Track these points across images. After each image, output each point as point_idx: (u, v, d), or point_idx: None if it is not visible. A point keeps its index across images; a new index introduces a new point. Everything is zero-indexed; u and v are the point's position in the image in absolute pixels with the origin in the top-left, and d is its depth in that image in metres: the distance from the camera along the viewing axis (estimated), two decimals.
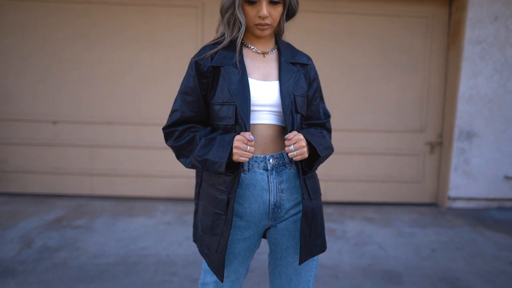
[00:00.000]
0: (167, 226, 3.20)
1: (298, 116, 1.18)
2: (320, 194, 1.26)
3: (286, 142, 1.09)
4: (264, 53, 1.22)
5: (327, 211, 3.61)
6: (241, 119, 1.09)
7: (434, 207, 4.05)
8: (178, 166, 3.95)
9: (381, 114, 3.95)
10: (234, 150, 1.05)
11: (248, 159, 1.06)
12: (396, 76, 3.90)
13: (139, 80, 3.84)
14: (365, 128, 3.95)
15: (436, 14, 3.86)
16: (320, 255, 2.66)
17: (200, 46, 3.79)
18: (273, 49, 1.24)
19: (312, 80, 1.27)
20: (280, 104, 1.14)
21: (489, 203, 3.96)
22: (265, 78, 1.17)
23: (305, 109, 1.22)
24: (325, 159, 1.19)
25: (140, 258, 2.58)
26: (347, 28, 3.85)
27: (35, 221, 3.19)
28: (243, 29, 1.14)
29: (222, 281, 1.13)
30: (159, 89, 3.84)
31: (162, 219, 3.36)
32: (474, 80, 3.72)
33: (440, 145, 4.03)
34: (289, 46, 1.27)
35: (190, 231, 3.09)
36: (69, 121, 3.86)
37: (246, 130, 1.08)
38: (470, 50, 3.67)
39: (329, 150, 1.20)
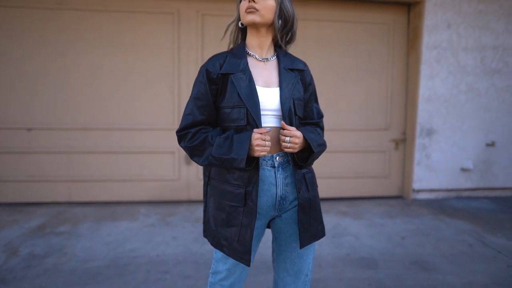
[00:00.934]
0: (151, 228, 3.27)
1: (296, 118, 1.33)
2: (316, 186, 1.43)
3: (285, 132, 1.25)
4: (264, 60, 1.35)
5: None
6: (252, 120, 1.23)
7: (400, 199, 4.37)
8: (157, 169, 4.05)
9: (349, 114, 4.22)
10: (256, 148, 1.18)
11: (267, 153, 1.22)
12: (362, 79, 4.19)
13: (114, 85, 3.87)
14: (334, 127, 4.20)
15: (396, 21, 4.19)
16: None
17: (176, 52, 3.92)
18: (273, 56, 1.37)
19: (308, 84, 1.42)
20: (281, 108, 1.28)
21: (448, 194, 4.33)
22: (268, 84, 1.31)
23: (302, 111, 1.38)
24: (319, 155, 1.36)
25: (130, 260, 2.64)
26: (316, 33, 4.09)
27: (16, 230, 3.15)
28: (237, 22, 1.34)
29: (249, 265, 1.26)
30: (134, 94, 3.89)
31: (146, 222, 3.42)
32: (431, 82, 4.07)
33: (403, 141, 4.36)
34: (287, 54, 1.41)
35: (175, 231, 3.18)
36: (44, 128, 3.82)
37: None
38: (427, 54, 4.02)
39: (323, 147, 1.36)
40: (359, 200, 4.30)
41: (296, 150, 1.27)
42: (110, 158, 3.92)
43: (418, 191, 4.27)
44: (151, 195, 4.00)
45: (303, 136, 1.27)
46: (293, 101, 1.31)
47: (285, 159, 1.32)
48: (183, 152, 3.95)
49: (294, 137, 1.24)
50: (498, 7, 4.01)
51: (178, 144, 4.02)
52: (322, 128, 1.48)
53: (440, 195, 4.32)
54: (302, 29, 4.04)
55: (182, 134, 1.30)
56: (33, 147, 3.82)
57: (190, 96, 1.33)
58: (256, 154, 1.20)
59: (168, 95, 3.93)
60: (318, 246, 2.93)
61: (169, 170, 3.99)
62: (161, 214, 3.62)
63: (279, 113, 1.29)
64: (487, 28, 4.04)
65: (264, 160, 1.29)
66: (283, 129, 1.25)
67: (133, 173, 3.97)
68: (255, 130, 1.21)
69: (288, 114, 1.28)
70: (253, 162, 1.24)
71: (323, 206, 4.02)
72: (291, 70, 1.36)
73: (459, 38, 4.03)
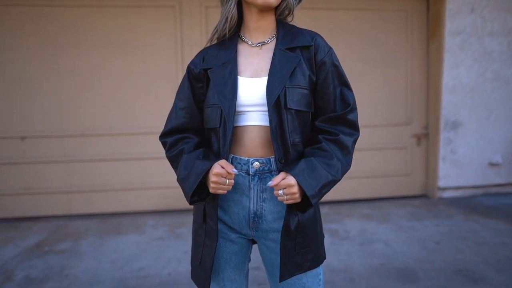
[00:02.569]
0: (160, 241, 2.98)
1: (290, 113, 1.02)
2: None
3: (274, 185, 0.95)
4: (260, 44, 1.10)
5: (323, 211, 3.52)
6: (224, 121, 1.03)
7: (424, 198, 4.07)
8: (163, 176, 3.75)
9: (366, 109, 3.92)
10: (212, 185, 0.97)
11: (226, 192, 1.00)
12: (378, 71, 3.89)
13: (113, 87, 3.58)
14: None
15: (414, 7, 3.89)
16: (330, 259, 2.56)
17: (180, 49, 3.63)
18: (272, 36, 1.10)
19: (321, 63, 1.06)
20: (266, 101, 1.01)
21: (475, 191, 4.04)
22: (258, 74, 1.06)
23: (307, 103, 1.05)
24: (330, 189, 1.03)
25: (139, 281, 2.35)
26: (328, 23, 3.79)
27: (11, 250, 2.86)
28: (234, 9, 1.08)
29: None
30: (135, 97, 3.60)
31: (154, 235, 3.13)
32: (456, 71, 3.78)
33: (426, 136, 4.06)
34: (291, 28, 1.11)
35: (186, 245, 2.88)
36: (39, 136, 3.53)
37: (228, 133, 1.01)
38: (450, 41, 3.73)
39: (332, 183, 1.01)
40: (380, 201, 4.00)
41: (299, 199, 0.97)
42: (111, 165, 3.63)
43: (444, 189, 3.97)
44: (158, 204, 3.71)
45: (297, 181, 0.95)
46: (286, 90, 1.00)
47: (266, 168, 1.05)
48: None
49: (288, 187, 0.94)
50: None
51: None
52: (350, 124, 1.09)
53: (467, 192, 4.03)
54: (311, 19, 3.75)
55: (162, 142, 1.16)
56: (28, 156, 3.53)
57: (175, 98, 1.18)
58: (211, 190, 0.99)
59: (171, 96, 3.62)
60: (347, 256, 2.64)
61: (175, 176, 3.68)
62: (169, 225, 3.32)
63: (266, 107, 1.02)
64: None
65: (239, 163, 1.05)
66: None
67: (137, 181, 3.67)
68: (219, 162, 0.98)
69: (274, 107, 1.00)
70: (208, 196, 1.04)
71: (342, 210, 3.72)
72: (291, 49, 1.05)
73: (484, 22, 3.74)
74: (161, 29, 3.57)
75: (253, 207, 1.06)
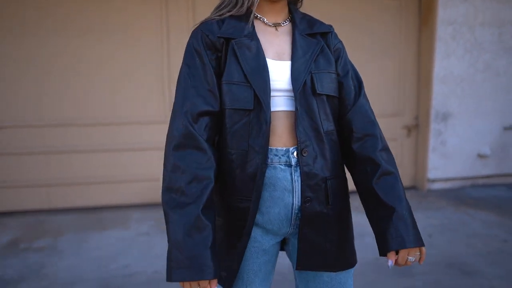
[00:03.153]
0: (146, 237, 2.85)
1: (321, 99, 0.97)
2: (347, 197, 1.06)
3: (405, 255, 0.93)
4: (276, 26, 1.02)
5: None
6: (259, 105, 0.92)
7: (414, 190, 4.05)
8: (148, 168, 3.61)
9: None
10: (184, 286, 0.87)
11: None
12: (369, 60, 3.80)
13: (95, 75, 3.38)
14: None
15: None
16: None
17: (165, 35, 3.46)
18: (286, 20, 1.04)
19: (338, 51, 1.05)
20: (292, 87, 0.95)
21: (463, 182, 4.04)
22: (280, 56, 0.98)
23: (336, 88, 1.01)
24: None
25: (125, 279, 2.23)
26: (320, 12, 3.65)
27: None
28: None
29: None
30: (118, 84, 3.42)
31: (140, 230, 2.99)
32: (447, 61, 3.74)
33: (416, 127, 4.03)
34: (305, 16, 1.07)
35: None
36: (17, 126, 3.32)
37: (266, 119, 0.91)
38: (442, 30, 3.67)
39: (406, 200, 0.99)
40: None
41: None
42: (93, 157, 3.46)
43: (433, 180, 3.96)
44: (143, 197, 3.56)
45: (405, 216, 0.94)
46: (312, 75, 0.96)
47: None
48: None
49: (423, 254, 0.96)
50: None
51: None
52: (376, 135, 1.02)
53: (456, 184, 4.02)
54: (306, 7, 3.62)
55: (173, 167, 0.91)
56: (4, 148, 3.32)
57: (177, 88, 0.96)
58: (180, 284, 0.88)
59: (157, 84, 3.46)
60: None
61: (161, 167, 3.53)
62: (156, 220, 3.19)
63: (291, 93, 0.95)
64: (505, 1, 3.71)
65: (276, 155, 0.95)
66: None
67: (121, 172, 3.51)
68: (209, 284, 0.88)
69: (301, 93, 0.94)
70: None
71: None
72: (311, 35, 1.01)
73: (476, 12, 3.69)
74: (146, 13, 3.38)
75: (298, 202, 0.96)
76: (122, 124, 3.45)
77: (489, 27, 3.74)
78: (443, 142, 3.87)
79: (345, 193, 1.05)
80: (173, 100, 0.88)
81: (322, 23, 1.05)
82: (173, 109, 0.94)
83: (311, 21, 1.05)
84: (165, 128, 3.49)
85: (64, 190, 3.45)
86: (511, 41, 3.81)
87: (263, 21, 1.01)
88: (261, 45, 0.95)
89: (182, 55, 0.98)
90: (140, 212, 3.38)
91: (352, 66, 1.09)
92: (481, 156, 3.98)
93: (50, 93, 3.34)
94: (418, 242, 0.92)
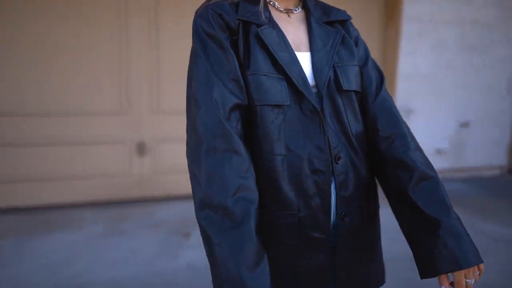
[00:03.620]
0: (102, 239, 2.60)
1: (347, 96, 0.85)
2: (377, 209, 0.95)
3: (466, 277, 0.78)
4: (288, 12, 0.89)
5: None
6: (298, 99, 0.80)
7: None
8: (102, 163, 3.30)
9: None
10: None
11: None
12: None
13: (45, 63, 3.03)
14: None
15: None
16: None
17: (124, 15, 3.16)
18: (298, 6, 0.92)
19: (355, 39, 0.94)
20: (315, 83, 0.83)
21: None
22: (298, 47, 0.85)
23: (357, 82, 0.89)
24: None
25: None
26: None
27: None
28: None
29: None
30: (69, 71, 3.09)
31: (94, 231, 2.73)
32: (412, 58, 3.77)
33: None
34: (318, 2, 0.95)
35: (133, 242, 2.55)
36: None
37: (314, 113, 0.80)
38: (408, 27, 3.69)
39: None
40: None
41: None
42: (41, 151, 3.11)
43: None
44: (97, 195, 3.27)
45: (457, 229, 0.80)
46: (335, 69, 0.84)
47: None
48: (134, 141, 3.27)
49: (482, 272, 0.80)
50: None
51: (128, 132, 3.36)
52: (406, 134, 0.90)
53: None
54: None
55: (216, 186, 0.74)
56: None
57: (191, 86, 0.79)
58: None
59: (113, 70, 3.17)
60: None
61: (117, 163, 3.28)
62: (111, 220, 2.94)
63: (315, 90, 0.83)
64: (467, 1, 3.80)
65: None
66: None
67: (72, 168, 3.20)
68: None
69: (327, 90, 0.83)
70: None
71: None
72: (329, 23, 0.90)
73: (440, 10, 3.74)
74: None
75: (333, 217, 0.85)
76: (73, 115, 3.13)
77: (451, 26, 3.81)
78: None
79: (377, 204, 0.95)
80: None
81: (338, 9, 0.94)
82: (193, 98, 0.76)
83: (325, 8, 0.93)
84: (120, 120, 3.20)
85: (6, 187, 3.08)
86: (471, 40, 3.92)
87: (275, 6, 0.88)
88: (284, 34, 0.83)
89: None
90: (93, 212, 3.10)
91: (371, 56, 0.98)
92: (439, 151, 4.09)
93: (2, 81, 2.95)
94: (477, 259, 0.77)
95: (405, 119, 3.26)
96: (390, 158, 0.85)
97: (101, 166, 3.24)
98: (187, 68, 0.82)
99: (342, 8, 0.96)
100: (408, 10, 3.65)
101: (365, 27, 3.81)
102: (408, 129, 0.90)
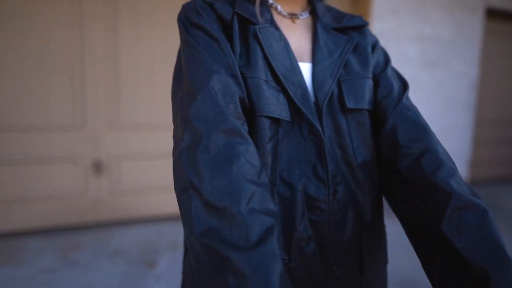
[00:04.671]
0: (50, 274, 2.24)
1: (354, 117, 0.70)
2: (385, 263, 0.78)
3: None
4: (293, 17, 0.76)
5: None
6: (299, 116, 0.66)
7: None
8: (51, 184, 2.92)
9: None
10: None
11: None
12: None
13: None
14: None
15: (339, 3, 3.77)
16: None
17: (77, 19, 2.84)
18: (305, 11, 0.79)
19: (373, 46, 0.79)
20: (314, 97, 0.69)
21: None
22: (300, 57, 0.73)
23: (371, 99, 0.73)
24: None
25: None
26: None
27: None
28: None
29: None
30: (14, 79, 2.72)
31: (40, 264, 2.35)
32: None
33: None
34: (330, 9, 0.82)
35: (88, 275, 2.22)
36: None
37: (315, 134, 0.66)
38: None
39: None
40: None
41: None
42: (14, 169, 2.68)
43: None
44: (44, 221, 2.87)
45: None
46: (339, 83, 0.70)
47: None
48: (88, 158, 2.92)
49: None
50: None
51: (83, 149, 2.99)
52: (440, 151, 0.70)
53: None
54: None
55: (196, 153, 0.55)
56: None
57: (183, 82, 0.63)
58: None
59: (64, 79, 2.83)
60: None
61: (70, 184, 2.91)
62: (62, 249, 2.57)
63: (315, 107, 0.69)
64: (426, 18, 3.90)
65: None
66: None
67: (14, 190, 2.78)
68: None
69: (327, 108, 0.69)
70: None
71: None
72: (340, 30, 0.77)
73: (403, 26, 3.81)
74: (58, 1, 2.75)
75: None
76: (17, 130, 2.74)
77: (413, 42, 3.89)
78: None
79: (384, 253, 0.76)
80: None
81: (352, 15, 0.80)
82: (186, 92, 0.60)
83: (338, 14, 0.81)
84: (74, 135, 2.81)
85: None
86: (432, 56, 4.01)
87: (277, 9, 0.75)
88: (286, 38, 0.71)
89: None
90: (40, 240, 2.70)
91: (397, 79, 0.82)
92: None
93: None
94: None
95: None
96: (415, 180, 0.66)
97: (51, 187, 2.85)
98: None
99: None
100: (377, 25, 3.66)
101: None
102: (439, 143, 0.70)
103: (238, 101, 0.60)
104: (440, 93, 4.16)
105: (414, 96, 4.02)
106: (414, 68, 3.95)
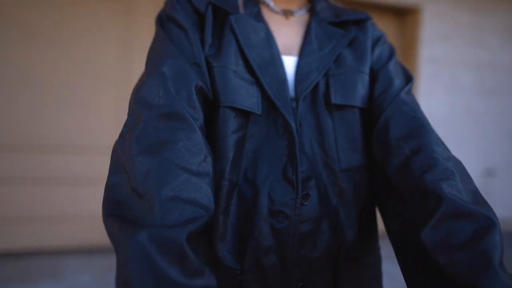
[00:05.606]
0: None
1: (339, 116, 0.62)
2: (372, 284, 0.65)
3: None
4: (286, 13, 0.72)
5: None
6: (272, 111, 0.60)
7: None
8: (89, 204, 2.96)
9: None
10: None
11: None
12: None
13: (35, 88, 2.80)
14: None
15: (387, 29, 3.70)
16: None
17: (128, 44, 2.98)
18: (302, 8, 0.74)
19: (377, 40, 0.72)
20: (294, 91, 0.64)
21: None
22: (287, 50, 0.68)
23: (365, 96, 0.65)
24: None
25: None
26: None
27: None
28: None
29: None
30: (63, 102, 2.85)
31: (76, 282, 2.33)
32: (428, 100, 3.60)
33: None
34: (332, 6, 0.76)
35: None
36: None
37: (289, 132, 0.59)
38: (424, 69, 3.55)
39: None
40: None
41: None
42: (18, 190, 2.77)
43: None
44: (82, 241, 2.88)
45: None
46: (327, 78, 0.63)
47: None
48: None
49: None
50: (493, 21, 3.70)
51: None
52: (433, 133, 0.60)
53: None
54: None
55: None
56: None
57: (146, 64, 0.60)
58: None
59: (112, 99, 2.93)
60: None
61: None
62: (98, 268, 2.54)
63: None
64: (482, 44, 3.70)
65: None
66: None
67: (54, 209, 2.83)
68: None
69: (307, 103, 0.62)
70: None
71: None
72: (337, 24, 0.70)
73: (456, 52, 3.63)
74: (107, 21, 2.92)
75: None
76: (67, 151, 2.84)
77: (468, 68, 3.69)
78: None
79: (374, 282, 0.63)
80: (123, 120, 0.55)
81: (355, 10, 0.74)
82: (141, 79, 0.58)
83: (340, 10, 0.74)
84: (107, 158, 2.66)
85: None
86: (489, 83, 3.77)
87: (268, 6, 0.71)
88: (270, 30, 0.66)
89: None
90: (78, 260, 2.69)
91: (399, 62, 0.73)
92: None
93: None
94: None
95: None
96: (401, 185, 0.54)
97: (88, 207, 2.89)
98: None
99: None
100: (424, 51, 3.53)
101: None
102: (441, 144, 0.57)
103: (193, 89, 0.55)
104: (498, 124, 3.86)
105: (470, 125, 3.76)
106: (469, 96, 3.72)
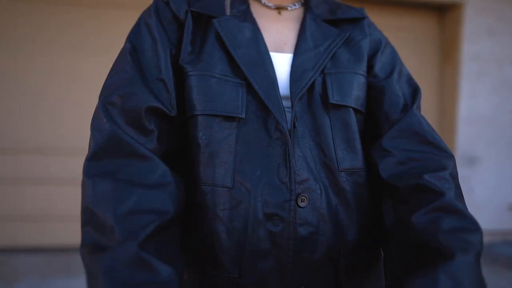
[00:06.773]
0: None
1: (337, 115, 0.62)
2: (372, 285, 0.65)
3: None
4: (279, 9, 0.71)
5: None
6: (259, 113, 0.59)
7: None
8: None
9: None
10: None
11: None
12: None
13: (54, 92, 3.02)
14: None
15: (427, 27, 3.54)
16: None
17: None
18: (296, 3, 0.73)
19: (376, 43, 0.72)
20: (289, 90, 0.63)
21: (493, 237, 3.54)
22: (280, 47, 0.67)
23: (363, 98, 0.66)
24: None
25: None
26: None
27: None
28: None
29: None
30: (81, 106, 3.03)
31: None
32: (472, 100, 3.39)
33: None
34: (327, 0, 0.75)
35: None
36: None
37: (281, 132, 0.58)
38: (467, 66, 3.35)
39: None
40: None
41: None
42: (67, 188, 3.00)
43: None
44: None
45: None
46: (324, 76, 0.63)
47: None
48: None
49: None
50: None
51: None
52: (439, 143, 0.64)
53: (484, 239, 3.51)
54: None
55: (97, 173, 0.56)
56: None
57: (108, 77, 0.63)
58: None
59: None
60: None
61: None
62: None
63: (289, 102, 0.63)
64: None
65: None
66: None
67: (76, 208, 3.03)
68: None
69: (304, 103, 0.61)
70: None
71: None
72: (332, 22, 0.70)
73: (502, 48, 3.39)
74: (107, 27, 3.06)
75: None
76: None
77: None
78: (471, 190, 3.43)
79: (376, 277, 0.63)
80: None
81: (350, 7, 0.73)
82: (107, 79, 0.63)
83: (335, 5, 0.73)
84: None
85: (26, 226, 2.96)
86: None
87: (261, 1, 0.71)
88: (259, 28, 0.66)
89: None
90: None
91: (404, 67, 0.74)
92: None
93: (25, 115, 2.96)
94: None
95: (468, 168, 2.75)
96: (402, 187, 0.58)
97: None
98: None
99: (396, 45, 0.75)
100: (467, 49, 3.33)
101: (420, 65, 3.53)
102: (452, 163, 0.60)
103: (143, 114, 0.56)
104: None
105: None
106: None
